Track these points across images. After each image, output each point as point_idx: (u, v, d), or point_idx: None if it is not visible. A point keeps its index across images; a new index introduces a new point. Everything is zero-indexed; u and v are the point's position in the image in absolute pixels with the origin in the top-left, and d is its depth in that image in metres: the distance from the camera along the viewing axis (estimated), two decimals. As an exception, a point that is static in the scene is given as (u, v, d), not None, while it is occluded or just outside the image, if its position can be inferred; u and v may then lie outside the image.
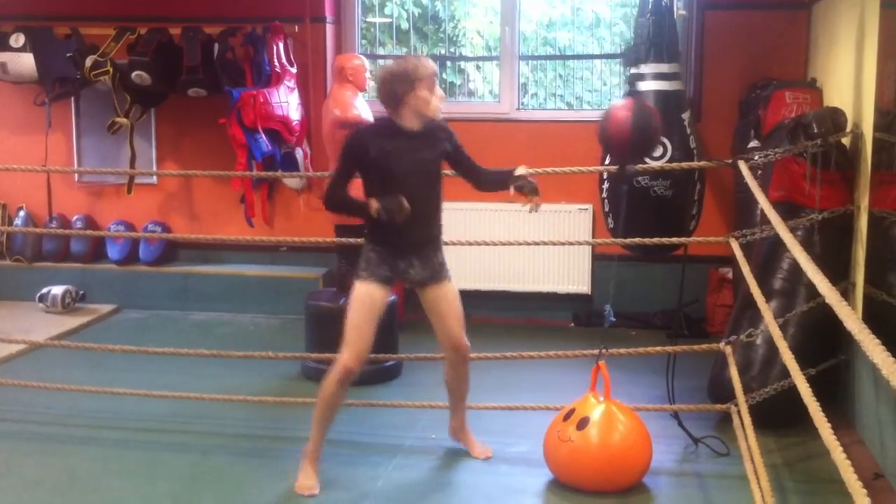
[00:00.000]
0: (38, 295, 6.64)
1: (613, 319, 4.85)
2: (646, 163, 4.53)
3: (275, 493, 3.77)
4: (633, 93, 4.92)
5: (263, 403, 4.60)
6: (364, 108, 5.47)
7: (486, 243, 4.93)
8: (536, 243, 5.18)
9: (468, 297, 6.52)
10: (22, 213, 7.14)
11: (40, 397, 4.76)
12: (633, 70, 4.94)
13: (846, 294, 4.37)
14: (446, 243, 3.89)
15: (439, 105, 3.73)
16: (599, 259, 6.40)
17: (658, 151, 4.73)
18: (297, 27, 6.56)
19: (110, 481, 3.91)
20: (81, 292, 6.72)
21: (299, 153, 6.52)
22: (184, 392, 4.66)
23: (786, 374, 3.91)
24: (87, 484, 3.90)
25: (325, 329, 5.01)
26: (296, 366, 5.26)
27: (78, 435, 4.44)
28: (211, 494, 3.79)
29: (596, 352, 3.98)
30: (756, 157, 4.36)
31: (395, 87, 3.61)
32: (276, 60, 6.35)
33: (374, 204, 3.61)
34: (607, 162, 4.86)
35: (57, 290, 6.63)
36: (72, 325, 6.34)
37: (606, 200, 5.05)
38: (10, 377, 4.94)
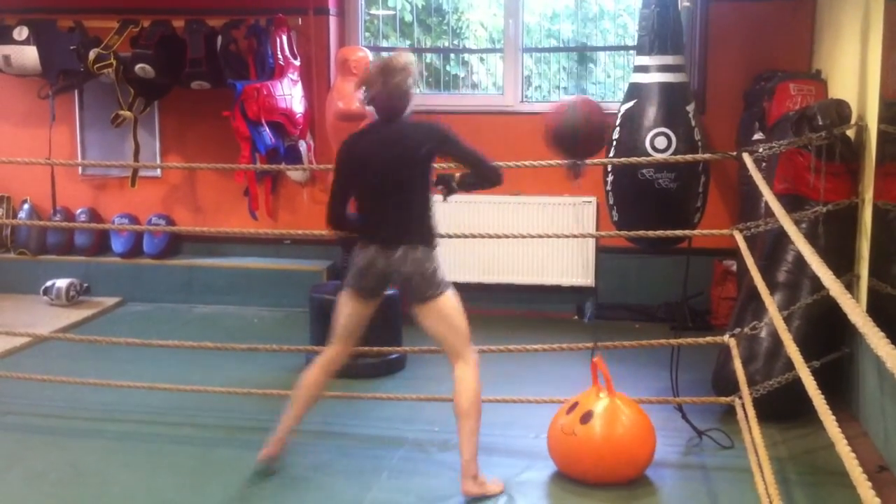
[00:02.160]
0: (43, 288, 6.65)
1: (590, 317, 4.88)
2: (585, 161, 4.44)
3: (280, 485, 3.77)
4: (637, 86, 4.91)
5: (268, 396, 4.60)
6: (368, 100, 5.46)
7: (491, 236, 4.92)
8: (540, 236, 5.18)
9: (472, 290, 6.56)
10: (26, 206, 7.15)
11: (45, 390, 4.77)
12: (639, 62, 4.94)
13: (850, 287, 4.37)
14: (447, 236, 3.85)
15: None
16: (604, 252, 6.39)
17: (662, 144, 4.73)
18: (300, 19, 6.55)
19: (115, 474, 3.92)
20: (86, 285, 6.73)
21: (303, 146, 6.51)
22: (188, 385, 4.67)
23: (790, 366, 3.92)
24: (91, 476, 3.90)
25: (329, 322, 5.00)
26: (300, 358, 5.25)
27: (82, 427, 4.45)
28: (216, 487, 3.79)
29: (590, 345, 3.97)
30: (760, 150, 4.35)
31: (401, 101, 3.59)
32: (279, 53, 6.34)
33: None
34: (611, 155, 4.86)
35: (61, 282, 6.64)
36: (76, 317, 6.35)
37: (611, 193, 5.04)
38: (14, 370, 4.95)
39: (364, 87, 3.66)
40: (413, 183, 3.60)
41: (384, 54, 3.95)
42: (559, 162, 4.30)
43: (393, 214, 3.60)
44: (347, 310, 3.75)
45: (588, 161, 4.12)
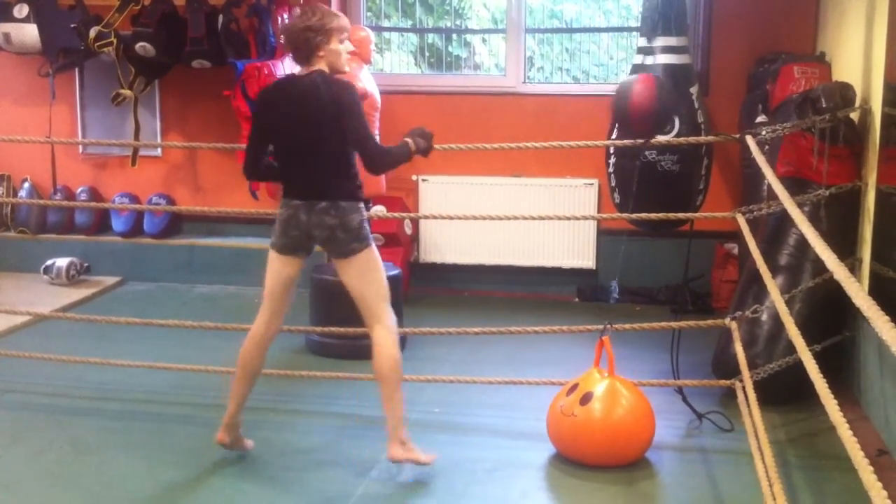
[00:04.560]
0: (43, 267, 6.64)
1: (617, 297, 4.89)
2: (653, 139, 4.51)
3: (281, 464, 3.78)
4: (640, 67, 4.89)
5: (268, 376, 4.59)
6: (369, 80, 5.44)
7: (492, 217, 4.91)
8: (542, 218, 5.17)
9: (473, 271, 6.58)
10: (26, 185, 7.13)
11: (45, 369, 4.78)
12: (643, 43, 4.91)
13: (852, 270, 4.36)
14: (448, 217, 3.83)
15: (348, 59, 3.64)
16: (605, 234, 6.39)
17: (666, 126, 4.71)
18: (301, -1, 6.51)
19: (115, 453, 3.92)
20: (86, 264, 6.73)
21: (304, 126, 6.48)
22: (188, 364, 4.67)
23: (790, 350, 3.92)
24: (91, 455, 3.91)
25: (330, 302, 5.02)
26: (300, 339, 5.26)
27: (83, 406, 4.46)
28: (215, 465, 3.79)
29: (601, 327, 3.96)
30: (764, 132, 4.33)
31: (310, 38, 3.48)
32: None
33: (415, 142, 3.62)
34: (615, 137, 4.84)
35: (62, 262, 6.63)
36: (76, 297, 6.35)
37: (613, 175, 5.03)
38: (15, 349, 4.96)
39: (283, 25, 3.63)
40: (323, 140, 3.51)
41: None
42: (568, 143, 4.33)
43: (312, 169, 3.55)
44: (275, 272, 3.68)
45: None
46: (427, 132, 3.73)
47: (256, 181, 3.72)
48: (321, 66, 3.52)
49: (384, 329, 3.60)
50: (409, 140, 3.68)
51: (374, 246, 3.62)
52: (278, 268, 3.68)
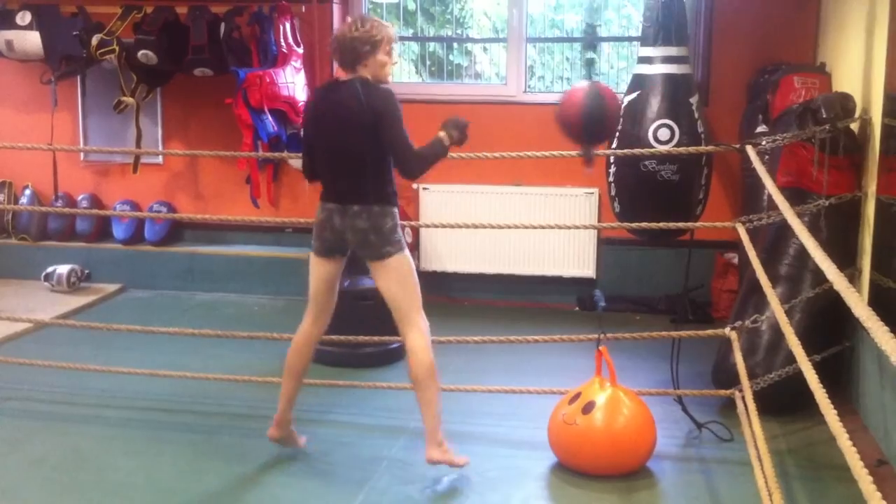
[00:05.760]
0: (44, 274, 6.65)
1: (604, 304, 4.89)
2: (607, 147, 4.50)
3: (280, 472, 3.78)
4: (641, 77, 4.90)
5: (268, 383, 4.60)
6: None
7: (492, 226, 4.91)
8: (542, 227, 5.17)
9: (473, 280, 6.59)
10: (27, 192, 7.14)
11: (45, 376, 4.77)
12: (643, 53, 4.93)
13: (852, 280, 4.36)
14: (449, 226, 3.84)
15: (391, 70, 3.70)
16: (605, 243, 6.39)
17: (665, 136, 4.72)
18: (303, 7, 6.52)
19: (115, 460, 3.92)
20: (87, 271, 6.74)
21: (305, 134, 6.50)
22: (189, 372, 4.67)
23: (790, 359, 3.92)
24: (91, 462, 3.91)
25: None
26: (300, 347, 5.26)
27: (83, 413, 4.46)
28: (215, 474, 3.80)
29: (596, 336, 3.96)
30: (764, 142, 4.35)
31: (357, 47, 3.55)
32: (282, 40, 6.32)
33: (449, 134, 3.65)
34: (614, 146, 4.85)
35: (62, 268, 6.64)
36: (77, 304, 6.35)
37: (613, 184, 5.04)
38: (15, 355, 4.96)
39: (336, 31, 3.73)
40: (360, 144, 3.55)
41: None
42: (568, 152, 4.32)
43: (347, 173, 3.60)
44: (315, 274, 3.76)
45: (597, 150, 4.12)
46: (461, 121, 3.73)
47: (313, 182, 3.83)
48: (365, 73, 3.58)
49: (418, 334, 3.64)
50: (442, 134, 3.69)
51: (407, 252, 3.66)
52: (318, 270, 3.75)
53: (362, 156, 3.57)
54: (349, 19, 3.72)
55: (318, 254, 3.73)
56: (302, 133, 3.85)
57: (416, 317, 3.66)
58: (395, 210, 3.65)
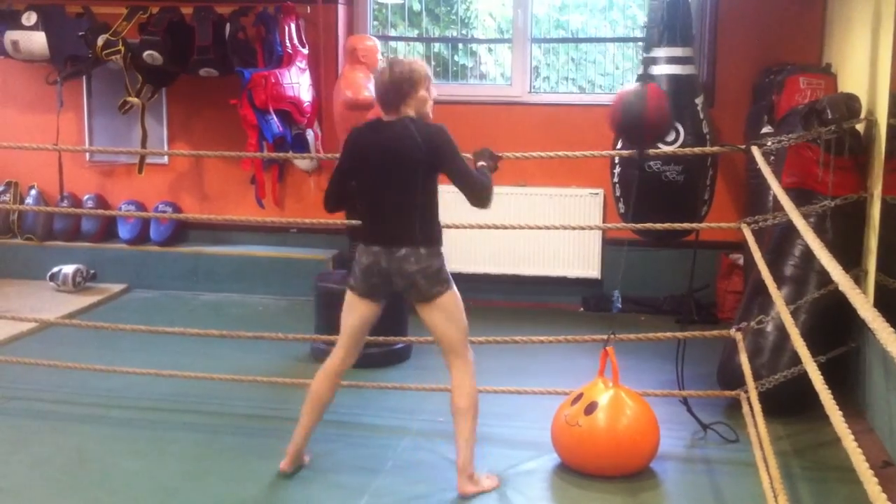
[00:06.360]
0: (49, 274, 6.66)
1: (620, 306, 4.89)
2: (657, 148, 4.53)
3: (284, 474, 3.78)
4: (645, 76, 4.89)
5: (273, 384, 4.61)
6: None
7: (497, 227, 4.90)
8: (547, 227, 5.17)
9: (478, 280, 6.58)
10: (33, 192, 7.16)
11: (50, 376, 4.78)
12: (647, 54, 4.92)
13: (857, 281, 4.35)
14: (454, 226, 3.83)
15: (433, 106, 3.70)
16: (610, 244, 6.38)
17: (671, 136, 4.71)
18: (309, 8, 6.53)
19: (119, 460, 3.93)
20: (92, 271, 6.75)
21: (310, 134, 6.51)
22: (193, 372, 4.68)
23: (796, 361, 3.91)
24: (96, 462, 3.91)
25: (335, 311, 4.98)
26: (305, 347, 5.27)
27: (87, 414, 4.46)
28: (220, 474, 3.80)
29: (605, 336, 3.96)
30: (769, 143, 4.34)
31: (401, 87, 3.55)
32: (287, 41, 6.33)
33: (488, 165, 3.75)
34: (619, 147, 4.85)
35: (68, 268, 6.65)
36: (82, 304, 6.36)
37: (618, 185, 5.03)
38: (20, 355, 4.97)
39: (374, 74, 3.69)
40: (412, 184, 3.53)
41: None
42: (573, 153, 4.38)
43: (394, 214, 3.56)
44: (355, 313, 3.70)
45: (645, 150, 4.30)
46: (494, 154, 3.86)
47: (333, 212, 3.81)
48: (409, 112, 3.57)
49: (465, 366, 3.62)
50: (483, 164, 3.77)
51: (454, 287, 3.64)
52: (360, 309, 3.69)
53: (413, 196, 3.53)
54: (382, 62, 3.73)
55: (361, 295, 3.66)
56: (339, 166, 3.74)
57: (463, 350, 3.64)
58: (441, 249, 3.62)
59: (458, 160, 3.55)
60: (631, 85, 4.42)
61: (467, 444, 3.59)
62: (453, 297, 3.62)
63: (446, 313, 3.60)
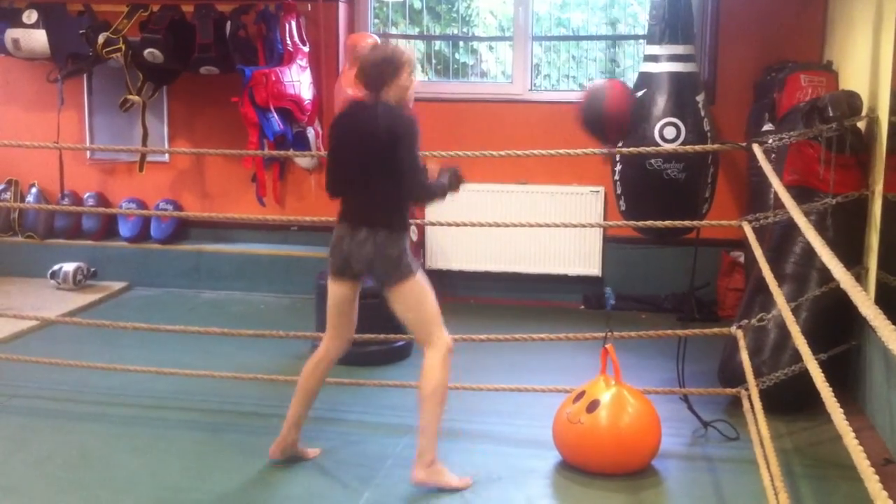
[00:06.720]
0: (50, 272, 6.66)
1: (613, 302, 4.91)
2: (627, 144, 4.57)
3: (286, 470, 3.78)
4: (647, 75, 4.89)
5: (274, 382, 4.61)
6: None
7: (497, 224, 4.91)
8: (548, 225, 5.17)
9: (479, 278, 6.58)
10: (34, 190, 7.16)
11: (52, 374, 4.79)
12: (649, 51, 4.92)
13: (859, 279, 4.35)
14: (456, 224, 3.84)
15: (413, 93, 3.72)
16: (610, 241, 6.38)
17: (671, 134, 4.71)
18: (309, 6, 6.53)
19: (121, 458, 3.93)
20: (93, 269, 6.75)
21: (311, 132, 6.51)
22: (194, 370, 4.68)
23: (797, 358, 3.91)
24: (97, 460, 3.92)
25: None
26: (306, 345, 5.26)
27: (89, 411, 4.46)
28: (221, 472, 3.80)
29: (603, 335, 3.96)
30: (770, 141, 4.33)
31: (382, 71, 3.56)
32: (288, 39, 6.33)
33: (448, 181, 3.69)
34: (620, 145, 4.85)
35: (69, 266, 6.65)
36: (83, 302, 6.36)
37: (619, 183, 5.03)
38: (21, 353, 4.97)
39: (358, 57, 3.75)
40: (375, 168, 3.54)
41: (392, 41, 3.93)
42: (574, 151, 4.39)
43: (359, 195, 3.60)
44: (331, 293, 3.73)
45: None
46: (460, 176, 3.77)
47: (334, 198, 3.82)
48: (388, 97, 3.58)
49: (433, 353, 3.61)
50: (443, 181, 3.72)
51: (418, 274, 3.61)
52: (332, 290, 3.71)
53: (376, 179, 3.55)
54: (370, 42, 3.73)
55: (333, 274, 3.69)
56: (328, 151, 3.80)
57: (432, 335, 3.62)
58: (404, 235, 3.61)
59: (411, 153, 3.53)
60: (597, 81, 4.47)
61: (425, 430, 3.58)
62: (413, 286, 3.58)
63: (404, 303, 3.60)
